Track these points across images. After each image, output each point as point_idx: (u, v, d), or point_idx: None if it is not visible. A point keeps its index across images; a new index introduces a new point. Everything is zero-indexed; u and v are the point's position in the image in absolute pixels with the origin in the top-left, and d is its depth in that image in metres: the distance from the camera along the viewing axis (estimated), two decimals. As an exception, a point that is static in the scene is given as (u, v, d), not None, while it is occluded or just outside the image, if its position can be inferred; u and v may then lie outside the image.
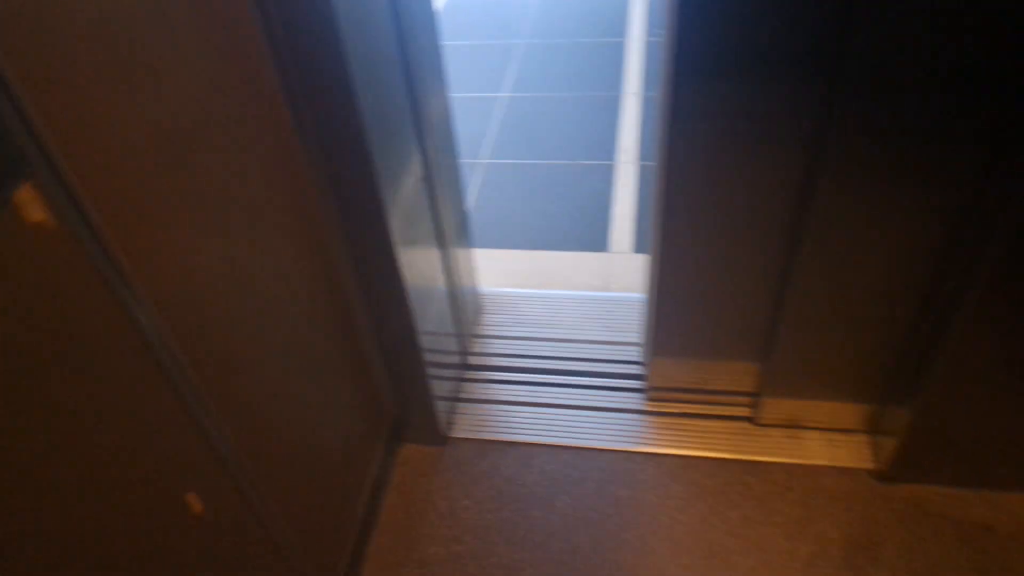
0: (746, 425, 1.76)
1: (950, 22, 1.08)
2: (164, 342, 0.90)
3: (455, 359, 1.91)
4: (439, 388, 1.73)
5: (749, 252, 1.48)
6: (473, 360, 1.98)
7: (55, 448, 0.76)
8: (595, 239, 2.37)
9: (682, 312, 1.62)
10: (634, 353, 1.95)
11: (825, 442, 1.71)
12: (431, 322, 1.66)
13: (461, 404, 1.88)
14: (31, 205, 0.68)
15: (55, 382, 0.75)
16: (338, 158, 1.26)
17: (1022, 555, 1.49)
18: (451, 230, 1.77)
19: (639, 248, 2.32)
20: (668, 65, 1.23)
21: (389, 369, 1.66)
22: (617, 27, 3.55)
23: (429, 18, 1.52)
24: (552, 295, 2.13)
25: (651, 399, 1.84)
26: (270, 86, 1.12)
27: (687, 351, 1.72)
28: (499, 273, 2.26)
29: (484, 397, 1.89)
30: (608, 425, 1.80)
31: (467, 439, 1.80)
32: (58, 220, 0.73)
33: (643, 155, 2.71)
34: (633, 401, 1.84)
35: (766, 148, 1.31)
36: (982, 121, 1.16)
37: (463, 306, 1.92)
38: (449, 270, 1.79)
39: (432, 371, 1.67)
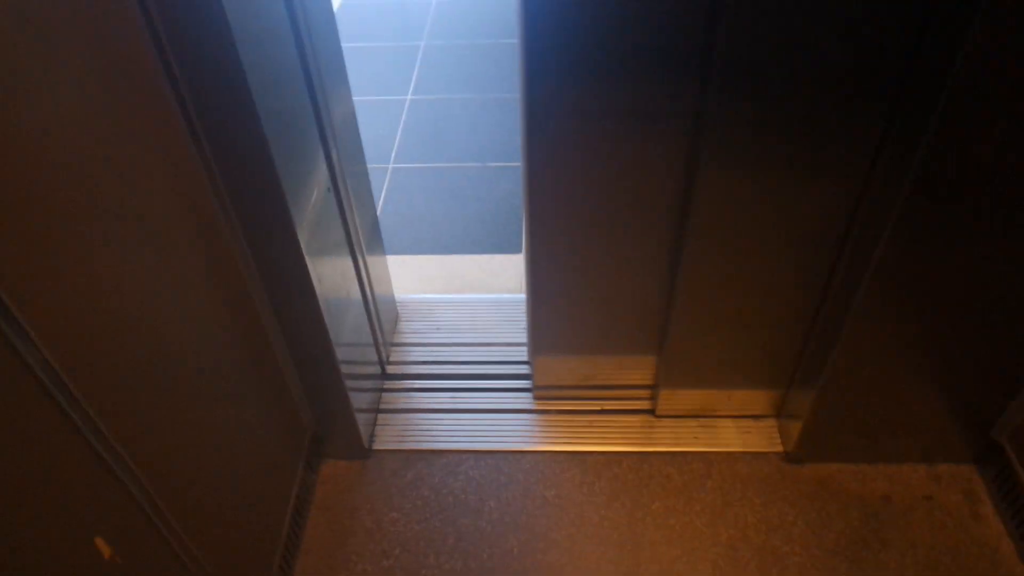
0: (660, 418, 1.81)
1: (824, 12, 1.10)
2: (56, 378, 0.83)
3: (374, 369, 1.87)
4: (358, 400, 1.69)
5: (629, 248, 1.50)
6: (392, 369, 1.94)
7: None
8: (509, 241, 2.37)
9: (562, 310, 1.64)
10: (552, 353, 1.97)
11: (737, 429, 1.78)
12: (347, 333, 1.61)
13: (382, 415, 1.84)
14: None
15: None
16: (239, 170, 1.20)
17: (916, 521, 1.60)
18: (362, 238, 1.73)
19: (551, 248, 2.34)
20: (522, 65, 1.22)
21: (305, 384, 1.60)
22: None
23: (328, 20, 1.47)
24: (468, 299, 2.12)
25: (537, 398, 1.86)
26: (161, 97, 1.06)
27: (574, 348, 1.74)
28: (414, 279, 2.23)
29: (405, 406, 1.86)
30: (531, 427, 1.81)
31: (390, 450, 1.77)
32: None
33: (550, 155, 2.73)
34: (563, 403, 1.86)
35: (633, 145, 1.32)
36: (864, 112, 1.21)
37: (379, 315, 1.89)
38: (362, 279, 1.75)
39: (350, 383, 1.63)
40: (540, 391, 1.84)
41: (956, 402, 1.56)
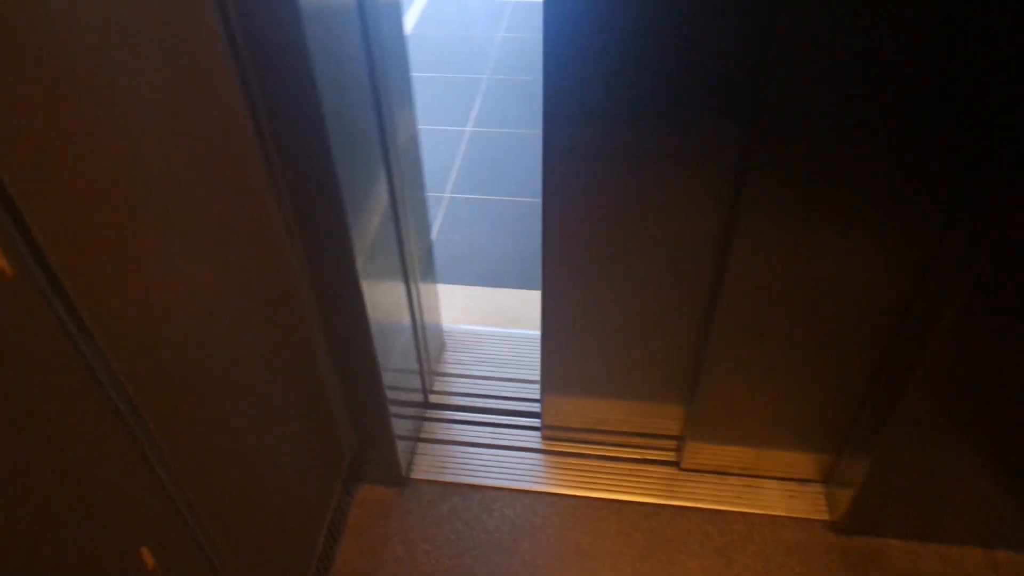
0: (689, 472, 1.76)
1: (886, 59, 1.04)
2: (123, 392, 0.85)
3: (417, 397, 1.86)
4: (400, 427, 1.68)
5: (654, 292, 1.45)
6: (435, 399, 1.94)
7: (8, 501, 0.70)
8: (558, 278, 2.36)
9: (577, 349, 1.61)
10: (596, 396, 1.94)
11: (782, 491, 1.73)
12: (394, 359, 1.62)
13: (422, 444, 1.83)
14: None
15: (7, 433, 0.69)
16: (305, 189, 1.22)
17: (969, 608, 1.52)
18: (416, 265, 1.74)
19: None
20: (544, 106, 1.20)
21: (349, 407, 1.61)
22: (580, 68, 3.60)
23: (399, 45, 1.50)
24: (515, 334, 2.11)
25: (545, 438, 1.82)
26: (238, 116, 1.08)
27: (588, 390, 1.70)
28: (462, 310, 2.23)
29: (445, 437, 1.84)
30: (569, 470, 1.78)
31: (427, 480, 1.75)
32: (15, 266, 0.67)
33: (605, 196, 2.73)
34: (595, 447, 1.83)
35: (660, 189, 1.28)
36: (920, 173, 1.16)
37: (426, 343, 1.89)
38: (413, 306, 1.75)
39: (394, 409, 1.62)
40: (548, 431, 1.81)
41: (1020, 484, 1.49)
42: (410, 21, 3.92)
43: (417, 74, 3.52)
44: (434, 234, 2.55)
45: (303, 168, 1.19)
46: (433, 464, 1.78)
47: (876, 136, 1.13)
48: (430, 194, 2.73)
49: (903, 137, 1.13)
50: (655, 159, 1.25)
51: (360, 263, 1.34)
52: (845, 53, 1.05)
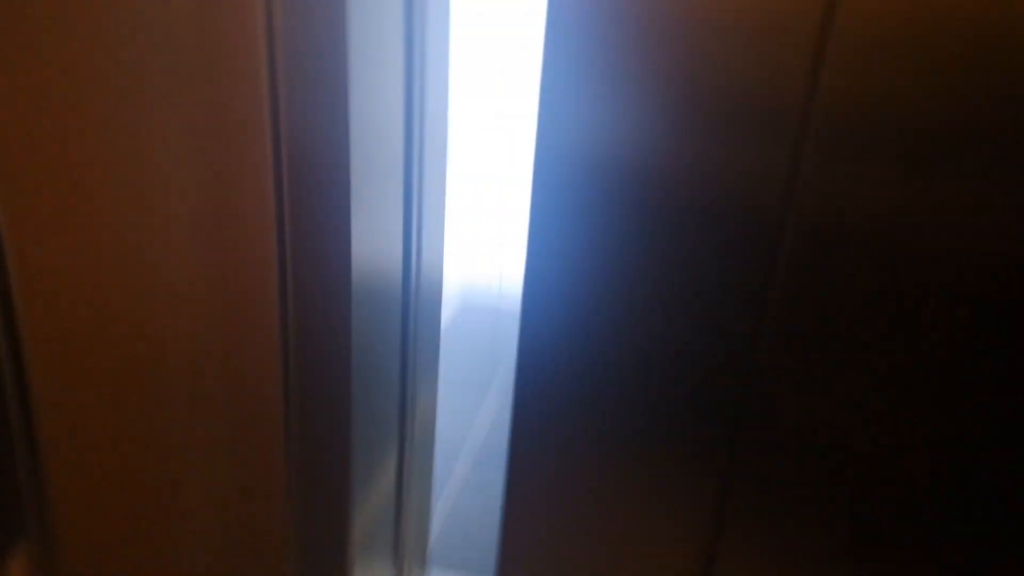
0: None
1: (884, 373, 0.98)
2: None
3: None
4: None
5: None
6: None
7: None
8: None
9: None
10: None
11: None
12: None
13: None
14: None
15: None
16: (316, 459, 1.19)
17: None
18: (411, 551, 1.65)
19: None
20: (513, 409, 1.18)
21: None
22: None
23: (433, 345, 1.55)
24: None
25: None
26: (272, 378, 1.11)
27: None
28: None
29: None
30: None
31: None
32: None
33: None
34: None
35: (636, 493, 1.20)
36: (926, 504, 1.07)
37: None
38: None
39: None
40: None
41: None
42: (445, 317, 4.21)
43: (447, 352, 3.69)
44: (439, 516, 2.47)
45: (320, 434, 1.19)
46: None
47: (875, 463, 1.07)
48: (440, 472, 2.70)
49: (898, 460, 1.06)
50: (634, 457, 1.18)
51: (354, 538, 1.28)
52: (833, 369, 1.02)
